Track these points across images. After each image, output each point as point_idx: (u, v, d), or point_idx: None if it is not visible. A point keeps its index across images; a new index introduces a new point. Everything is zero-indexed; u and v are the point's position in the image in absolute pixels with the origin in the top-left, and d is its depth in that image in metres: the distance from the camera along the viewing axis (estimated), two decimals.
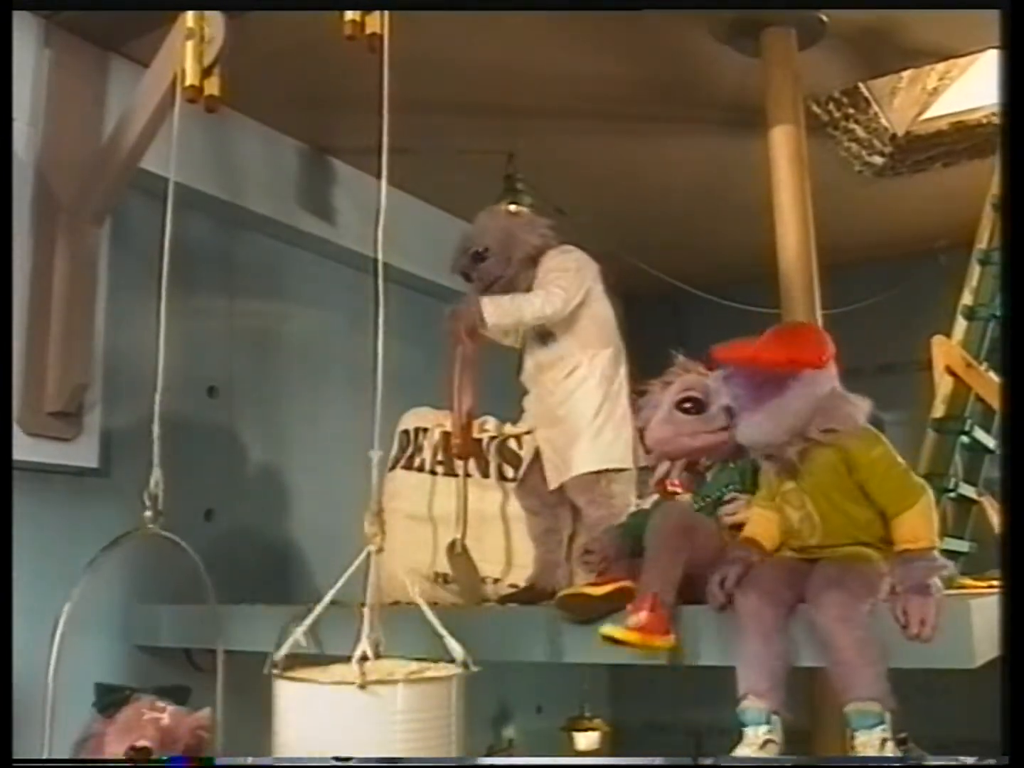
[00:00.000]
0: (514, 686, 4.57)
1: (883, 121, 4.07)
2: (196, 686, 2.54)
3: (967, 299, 3.33)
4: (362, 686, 1.78)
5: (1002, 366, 2.59)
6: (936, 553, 1.95)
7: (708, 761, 1.99)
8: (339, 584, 1.98)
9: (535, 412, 2.88)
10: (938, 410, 3.10)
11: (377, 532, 1.98)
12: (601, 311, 2.83)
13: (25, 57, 2.98)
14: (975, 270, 3.36)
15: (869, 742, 1.77)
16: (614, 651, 2.12)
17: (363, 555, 1.97)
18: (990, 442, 3.19)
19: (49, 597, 2.23)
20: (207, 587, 2.36)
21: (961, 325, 3.29)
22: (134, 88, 2.90)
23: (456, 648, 1.96)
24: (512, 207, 3.77)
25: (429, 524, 3.24)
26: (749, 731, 1.89)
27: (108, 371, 3.13)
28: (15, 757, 2.18)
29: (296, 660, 1.99)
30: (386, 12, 2.10)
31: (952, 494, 3.03)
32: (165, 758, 2.27)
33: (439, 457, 3.29)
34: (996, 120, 3.68)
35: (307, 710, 1.86)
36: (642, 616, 2.03)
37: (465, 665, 1.93)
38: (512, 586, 3.02)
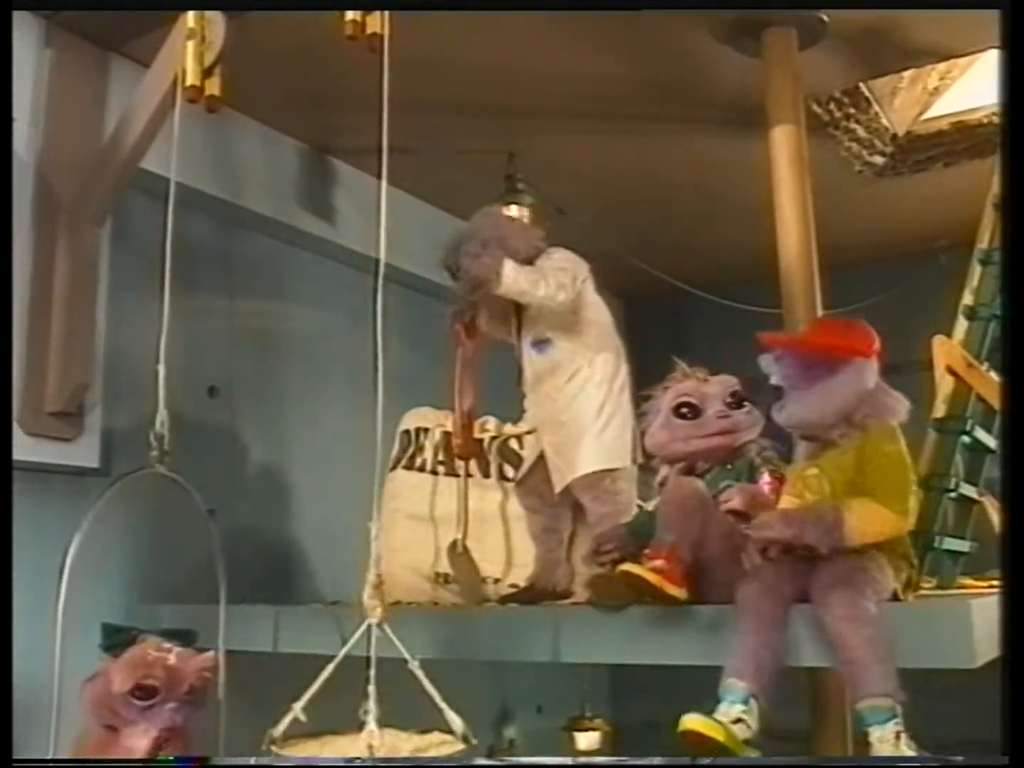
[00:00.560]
0: (515, 686, 4.57)
1: (884, 121, 4.07)
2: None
3: (968, 299, 3.32)
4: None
5: (1002, 366, 2.59)
6: (867, 555, 1.99)
7: (707, 761, 1.99)
8: (339, 657, 1.95)
9: (538, 418, 2.87)
10: (939, 410, 3.09)
11: (377, 605, 1.94)
12: (596, 314, 2.82)
13: (26, 57, 2.98)
14: (976, 270, 3.35)
15: (884, 736, 1.80)
16: (615, 644, 2.13)
17: (363, 628, 1.93)
18: (991, 442, 3.18)
19: (49, 597, 2.23)
20: (213, 534, 2.36)
21: (962, 325, 3.28)
22: (135, 88, 2.90)
23: (456, 722, 1.95)
24: (514, 209, 3.77)
25: (430, 524, 3.24)
26: (723, 705, 1.91)
27: (108, 371, 3.13)
28: (16, 757, 2.18)
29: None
30: (386, 12, 2.10)
31: (953, 494, 3.03)
32: (172, 758, 2.27)
33: (440, 457, 3.30)
34: (997, 120, 3.68)
35: None
36: (659, 562, 2.09)
37: (466, 739, 1.93)
38: (513, 586, 3.02)
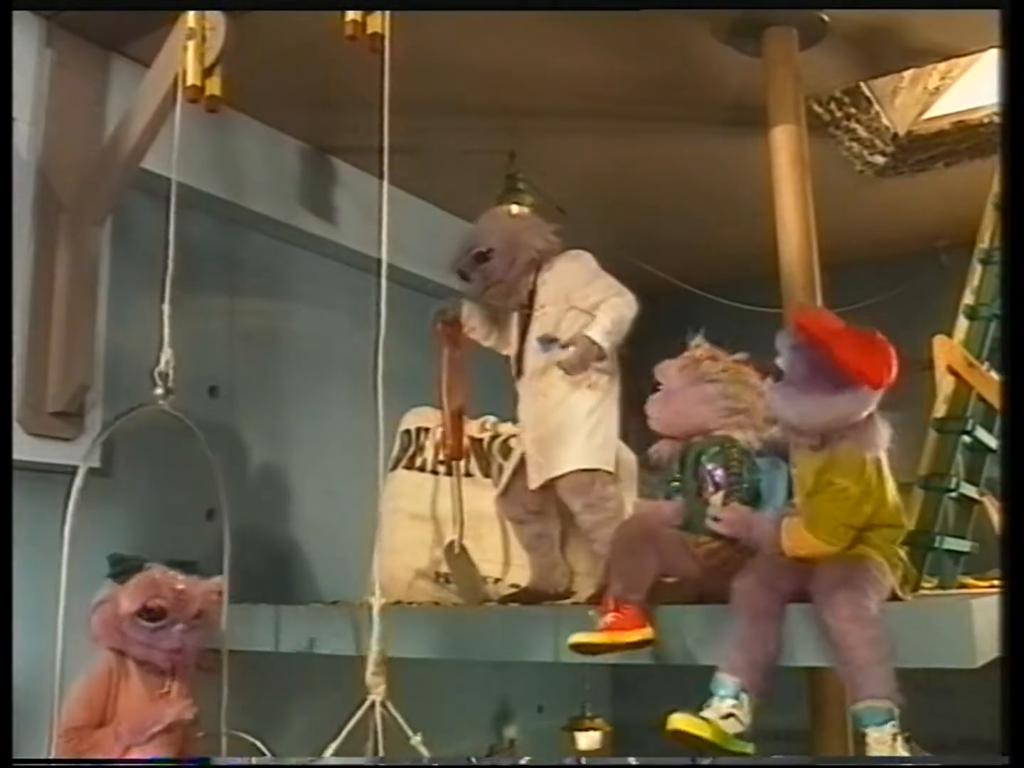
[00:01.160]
0: (516, 686, 4.57)
1: (884, 121, 4.07)
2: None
3: (969, 299, 3.32)
4: None
5: (1002, 366, 2.59)
6: (867, 556, 2.01)
7: (707, 761, 2.00)
8: (339, 739, 1.94)
9: (525, 415, 2.87)
10: (940, 410, 3.09)
11: (381, 683, 1.93)
12: None
13: (27, 57, 2.98)
14: (977, 269, 3.34)
15: (881, 738, 1.80)
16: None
17: (366, 705, 1.92)
18: (992, 442, 3.18)
19: (49, 597, 2.22)
20: (219, 480, 2.37)
21: (963, 325, 3.28)
22: (135, 88, 2.90)
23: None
24: (515, 208, 3.77)
25: (431, 524, 3.24)
26: (714, 700, 1.92)
27: (109, 371, 3.13)
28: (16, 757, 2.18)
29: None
30: (387, 12, 2.10)
31: (953, 494, 3.02)
32: (172, 758, 2.27)
33: (440, 457, 3.30)
34: (997, 120, 3.68)
35: None
36: (608, 618, 2.10)
37: None
38: (513, 586, 3.02)
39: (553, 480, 2.74)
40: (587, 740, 4.45)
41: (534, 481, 2.78)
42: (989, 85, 3.33)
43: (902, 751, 1.80)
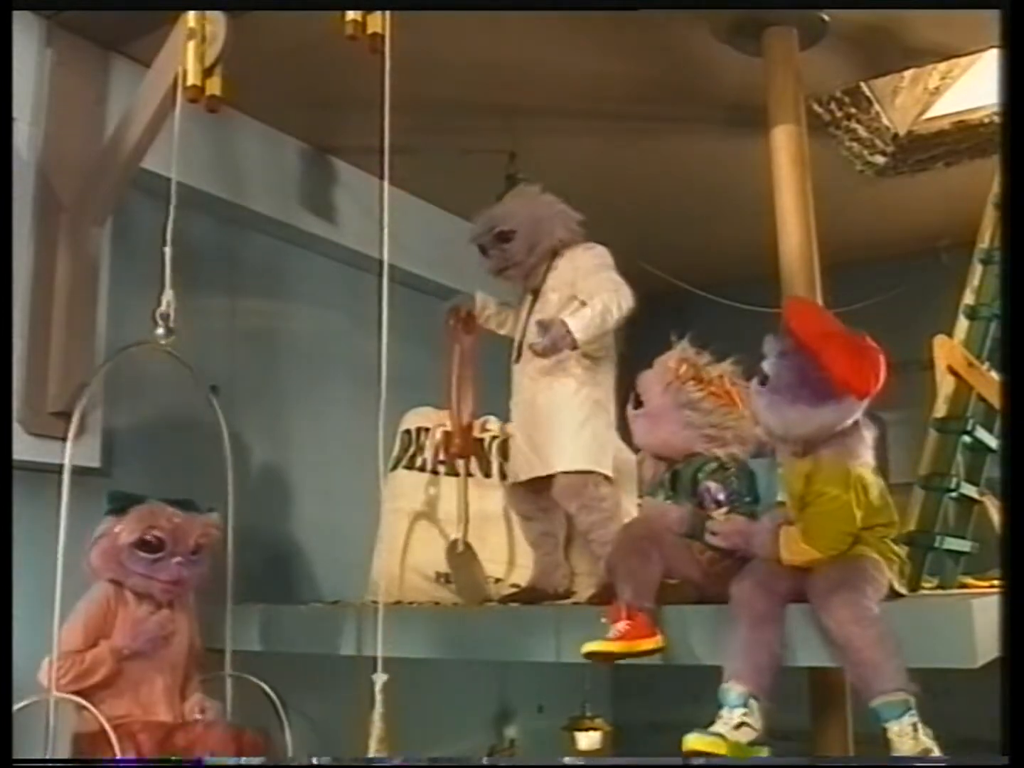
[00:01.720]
0: (516, 685, 4.57)
1: (885, 120, 4.07)
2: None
3: (969, 298, 3.32)
4: None
5: (1002, 366, 2.59)
6: (863, 555, 2.02)
7: (703, 761, 2.00)
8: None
9: (518, 399, 2.86)
10: (940, 410, 3.09)
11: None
12: None
13: (27, 57, 2.98)
14: (977, 269, 3.35)
15: (902, 730, 1.81)
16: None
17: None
18: (992, 442, 3.18)
19: (50, 597, 2.23)
20: (216, 411, 2.45)
21: (963, 324, 3.28)
22: (136, 88, 2.90)
23: None
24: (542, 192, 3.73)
25: (431, 524, 3.24)
26: (724, 711, 1.92)
27: (109, 371, 3.13)
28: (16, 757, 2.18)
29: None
30: (387, 12, 2.10)
31: (954, 494, 3.03)
32: (173, 759, 2.28)
33: (441, 457, 3.29)
34: (997, 119, 3.67)
35: None
36: (620, 626, 2.09)
37: None
38: (514, 586, 3.02)
39: (549, 478, 2.73)
40: (587, 740, 4.45)
41: (524, 473, 2.77)
42: (989, 85, 3.33)
43: (926, 740, 1.81)
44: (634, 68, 3.42)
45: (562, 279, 2.81)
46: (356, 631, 2.62)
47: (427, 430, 3.35)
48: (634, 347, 2.86)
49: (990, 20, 2.17)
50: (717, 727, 1.91)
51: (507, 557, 3.14)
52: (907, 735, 1.80)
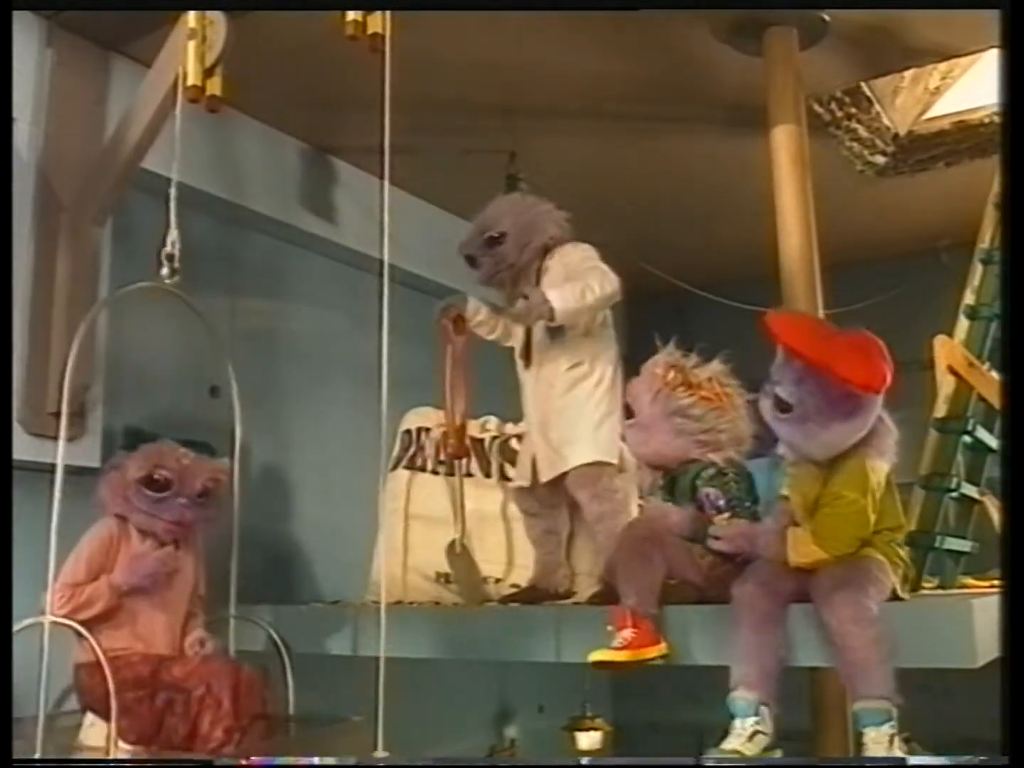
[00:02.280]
0: (516, 686, 4.57)
1: (885, 120, 4.07)
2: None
3: (969, 298, 3.32)
4: None
5: (1002, 366, 2.59)
6: (867, 555, 2.01)
7: (709, 761, 2.00)
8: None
9: (531, 405, 2.85)
10: (940, 410, 3.09)
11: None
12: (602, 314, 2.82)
13: (27, 57, 2.98)
14: (977, 269, 3.35)
15: (878, 738, 1.81)
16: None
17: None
18: (992, 442, 3.18)
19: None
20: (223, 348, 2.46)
21: (963, 324, 3.29)
22: (136, 88, 2.90)
23: None
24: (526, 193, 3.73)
25: (431, 524, 3.24)
26: (737, 722, 1.92)
27: (109, 371, 3.13)
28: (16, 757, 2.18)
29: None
30: (387, 12, 2.10)
31: (954, 494, 3.03)
32: (173, 759, 2.28)
33: (441, 457, 3.29)
34: (997, 119, 3.67)
35: None
36: (627, 634, 2.07)
37: None
38: (514, 586, 3.02)
39: (563, 474, 2.74)
40: (587, 740, 4.45)
41: (545, 474, 2.78)
42: (989, 85, 3.33)
43: (899, 752, 1.81)
44: (634, 68, 3.43)
45: (555, 279, 2.81)
46: (356, 631, 2.62)
47: (427, 430, 3.35)
48: (635, 347, 2.85)
49: (990, 20, 2.16)
50: (731, 742, 1.90)
51: (506, 557, 3.14)
52: (882, 744, 1.80)
